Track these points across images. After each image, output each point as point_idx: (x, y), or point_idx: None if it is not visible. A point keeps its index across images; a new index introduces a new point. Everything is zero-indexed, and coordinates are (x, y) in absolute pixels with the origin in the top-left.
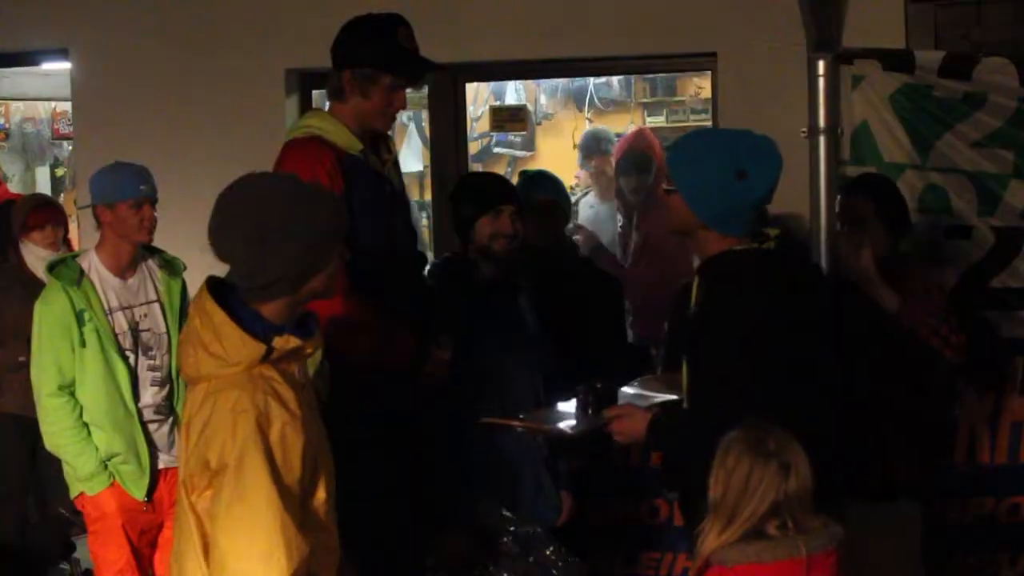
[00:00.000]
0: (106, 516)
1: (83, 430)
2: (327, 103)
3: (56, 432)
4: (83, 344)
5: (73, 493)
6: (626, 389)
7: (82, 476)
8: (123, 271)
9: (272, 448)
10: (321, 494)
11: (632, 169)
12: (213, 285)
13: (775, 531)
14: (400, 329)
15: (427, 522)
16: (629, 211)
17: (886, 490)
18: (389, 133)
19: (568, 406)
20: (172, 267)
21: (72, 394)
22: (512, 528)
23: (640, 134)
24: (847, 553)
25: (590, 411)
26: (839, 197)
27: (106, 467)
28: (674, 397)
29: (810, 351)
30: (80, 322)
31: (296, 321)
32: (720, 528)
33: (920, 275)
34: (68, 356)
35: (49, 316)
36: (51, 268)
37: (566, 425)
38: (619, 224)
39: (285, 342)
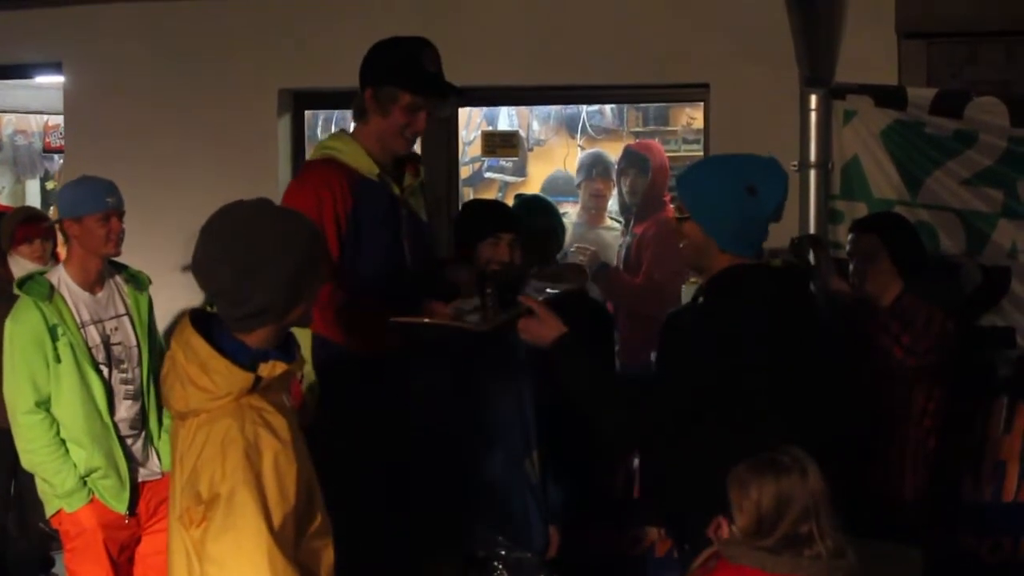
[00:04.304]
0: (85, 532)
1: (61, 447)
2: (352, 125)
3: (34, 450)
4: (58, 359)
5: (50, 511)
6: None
7: (61, 493)
8: (92, 285)
9: (265, 479)
10: (317, 520)
11: (630, 169)
12: (195, 318)
13: (805, 537)
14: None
15: (420, 546)
16: (627, 215)
17: (887, 527)
18: (416, 152)
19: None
20: (137, 281)
21: (48, 411)
22: (503, 553)
23: (639, 142)
24: None
25: (496, 305)
26: (850, 235)
27: (85, 483)
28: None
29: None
30: (54, 337)
31: (279, 344)
32: (753, 537)
33: (926, 311)
34: (43, 372)
35: (21, 333)
36: (20, 285)
37: (473, 321)
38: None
39: (272, 368)
